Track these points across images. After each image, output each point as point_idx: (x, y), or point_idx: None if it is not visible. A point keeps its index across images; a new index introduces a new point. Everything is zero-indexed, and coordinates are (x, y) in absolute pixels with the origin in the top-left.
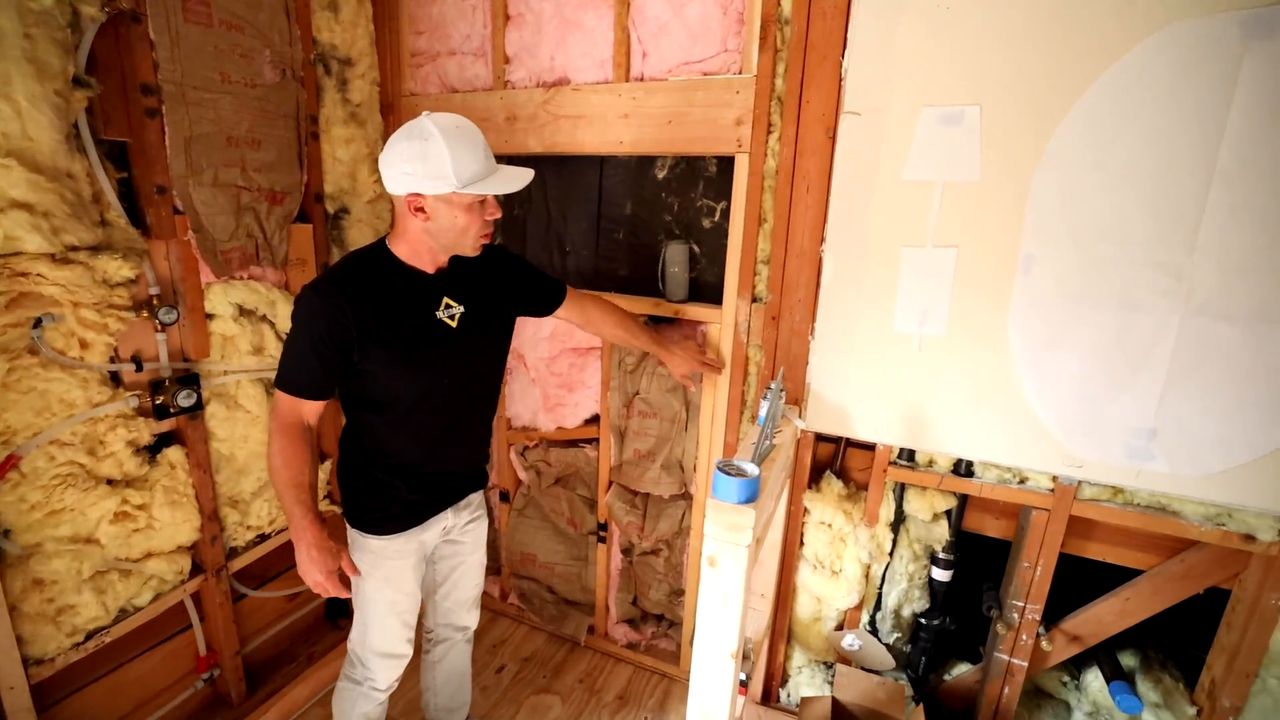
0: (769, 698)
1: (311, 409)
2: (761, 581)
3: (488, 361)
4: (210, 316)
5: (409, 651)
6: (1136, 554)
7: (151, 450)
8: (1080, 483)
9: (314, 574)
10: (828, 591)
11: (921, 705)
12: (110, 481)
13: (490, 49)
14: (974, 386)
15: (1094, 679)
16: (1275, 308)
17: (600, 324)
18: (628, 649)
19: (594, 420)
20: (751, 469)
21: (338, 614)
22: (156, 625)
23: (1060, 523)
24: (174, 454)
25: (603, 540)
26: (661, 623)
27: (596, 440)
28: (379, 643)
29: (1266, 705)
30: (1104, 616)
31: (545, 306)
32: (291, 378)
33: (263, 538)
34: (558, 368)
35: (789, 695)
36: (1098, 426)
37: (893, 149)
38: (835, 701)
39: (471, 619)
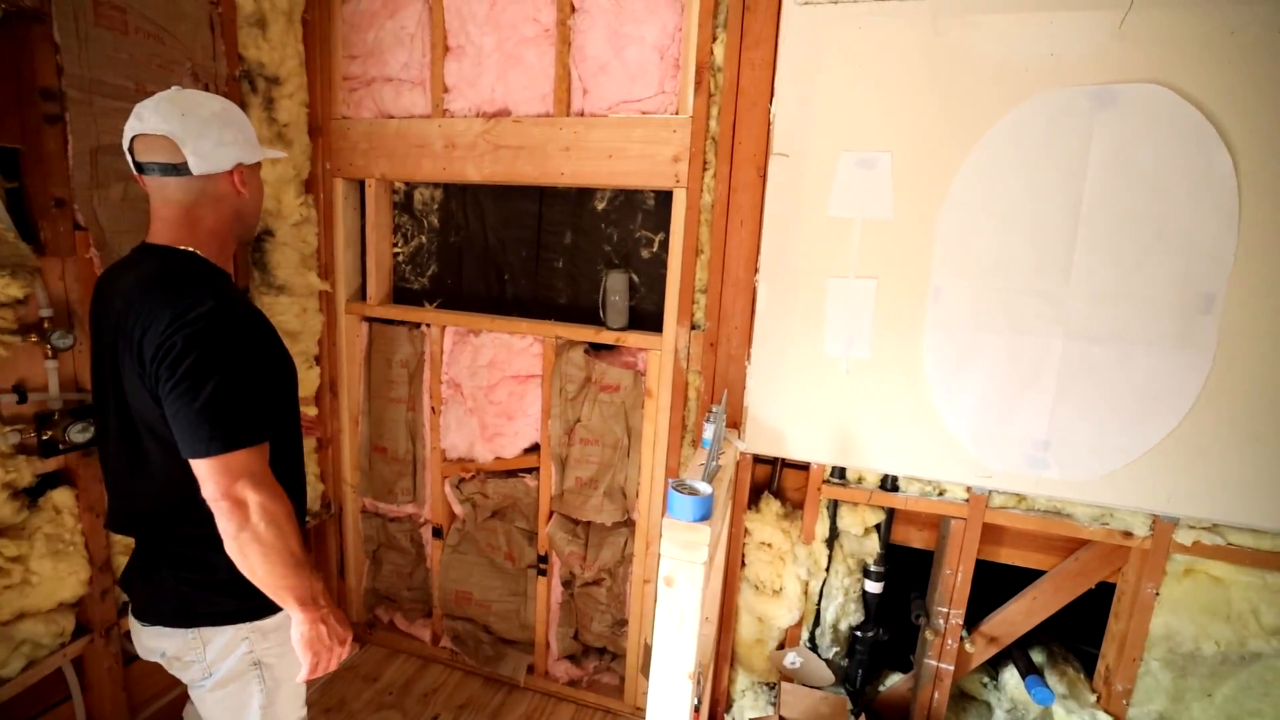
0: None
1: (268, 452)
2: (707, 605)
3: None
4: None
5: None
6: (1039, 556)
7: (32, 493)
8: (990, 492)
9: (346, 632)
10: (770, 611)
11: (862, 717)
12: None
13: (429, 78)
14: (896, 405)
15: (1010, 677)
16: (1129, 329)
17: None
18: (569, 686)
19: (534, 449)
20: (704, 487)
21: None
22: (27, 698)
23: (976, 530)
24: (61, 496)
25: (543, 573)
26: (604, 656)
27: (536, 470)
28: None
29: (1151, 686)
30: (1015, 617)
31: None
32: (253, 424)
33: None
34: (497, 396)
35: None
36: (1001, 439)
37: (817, 188)
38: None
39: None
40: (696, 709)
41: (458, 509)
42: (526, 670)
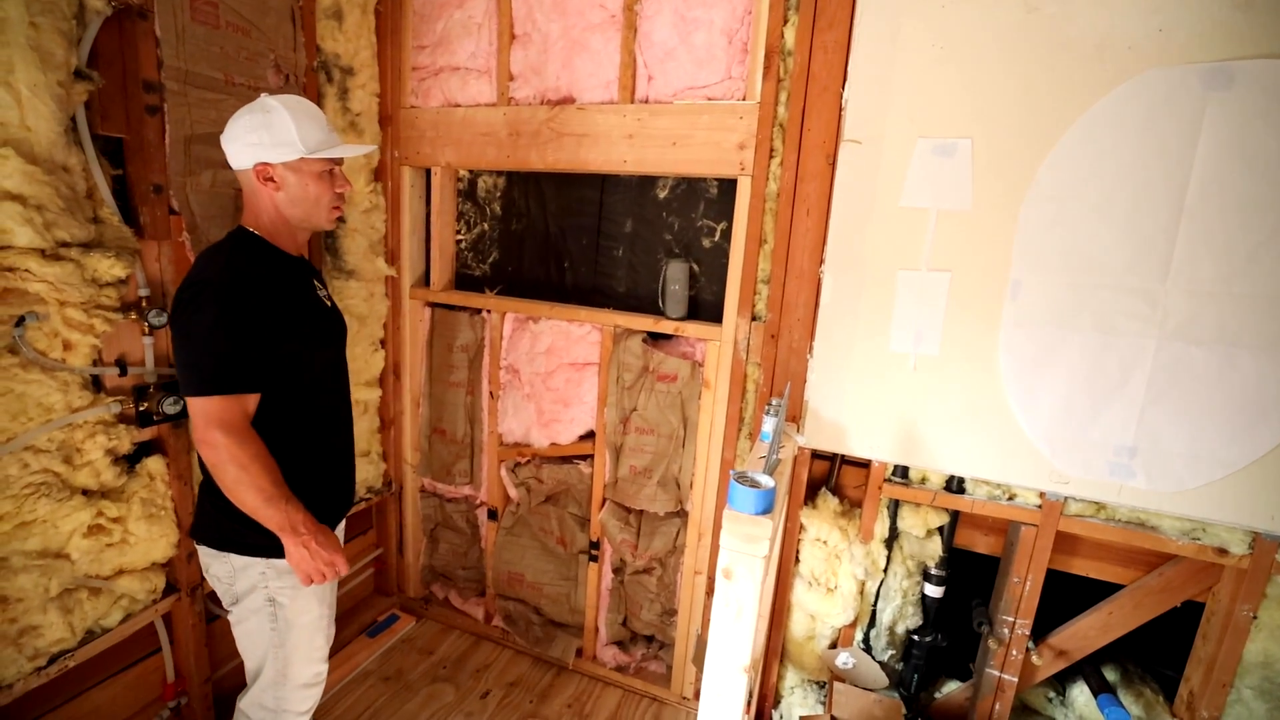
0: (761, 719)
1: (253, 404)
2: (762, 600)
3: (345, 350)
4: None
5: (326, 667)
6: (1118, 569)
7: (130, 460)
8: (1066, 499)
9: (335, 556)
10: (823, 609)
11: (904, 712)
12: (86, 492)
13: (495, 66)
14: (966, 405)
15: (1080, 693)
16: (1237, 332)
17: None
18: (616, 671)
19: (589, 436)
20: (767, 480)
21: None
22: (123, 648)
23: (1048, 538)
24: (154, 464)
25: (594, 559)
26: (652, 644)
27: (591, 457)
28: (303, 673)
29: (1242, 715)
30: (1088, 631)
31: None
32: (232, 375)
33: None
34: (554, 383)
35: (781, 717)
36: (1082, 444)
37: (889, 177)
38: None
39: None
40: (747, 702)
41: (513, 492)
42: (575, 653)
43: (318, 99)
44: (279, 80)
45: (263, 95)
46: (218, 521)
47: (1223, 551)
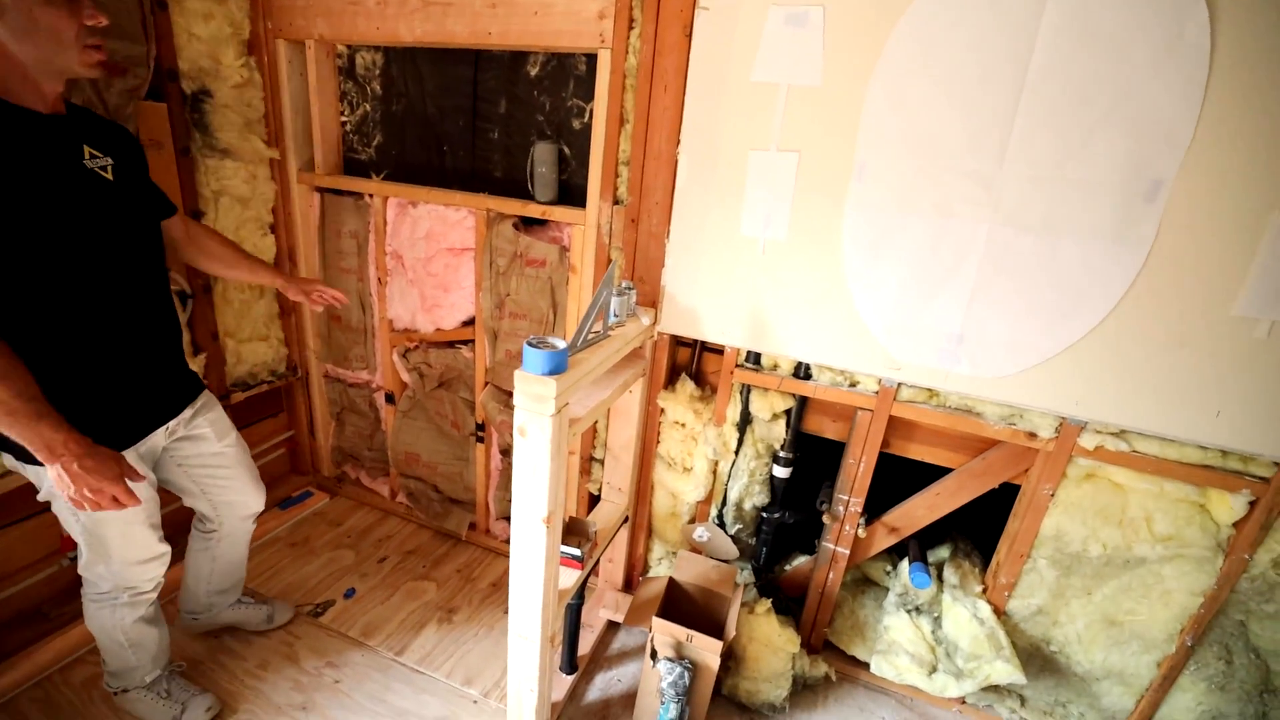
0: (630, 586)
1: None
2: (618, 476)
3: (155, 233)
4: None
5: (167, 548)
6: (950, 454)
7: None
8: (899, 385)
9: (104, 484)
10: (680, 487)
11: (753, 580)
12: None
13: None
14: (812, 290)
15: (906, 565)
16: (1062, 219)
17: (204, 253)
18: (507, 544)
19: (471, 322)
20: (559, 343)
21: None
22: (5, 505)
23: (881, 421)
24: None
25: (481, 440)
26: None
27: (473, 342)
28: (129, 554)
29: (1034, 581)
30: (916, 510)
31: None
32: None
33: None
34: (434, 268)
35: None
36: (915, 331)
37: (743, 49)
38: (672, 580)
39: (259, 501)
40: (578, 560)
41: (406, 377)
42: (469, 527)
43: None
44: None
45: None
46: None
47: (1033, 435)
